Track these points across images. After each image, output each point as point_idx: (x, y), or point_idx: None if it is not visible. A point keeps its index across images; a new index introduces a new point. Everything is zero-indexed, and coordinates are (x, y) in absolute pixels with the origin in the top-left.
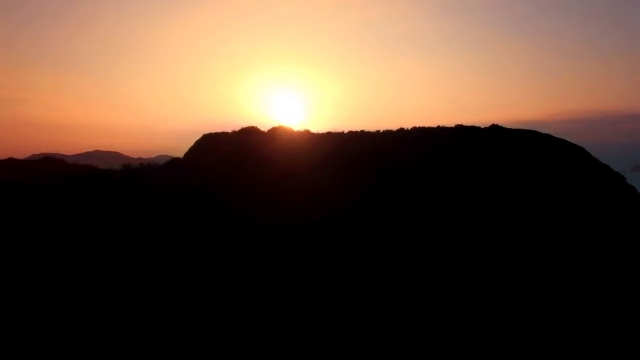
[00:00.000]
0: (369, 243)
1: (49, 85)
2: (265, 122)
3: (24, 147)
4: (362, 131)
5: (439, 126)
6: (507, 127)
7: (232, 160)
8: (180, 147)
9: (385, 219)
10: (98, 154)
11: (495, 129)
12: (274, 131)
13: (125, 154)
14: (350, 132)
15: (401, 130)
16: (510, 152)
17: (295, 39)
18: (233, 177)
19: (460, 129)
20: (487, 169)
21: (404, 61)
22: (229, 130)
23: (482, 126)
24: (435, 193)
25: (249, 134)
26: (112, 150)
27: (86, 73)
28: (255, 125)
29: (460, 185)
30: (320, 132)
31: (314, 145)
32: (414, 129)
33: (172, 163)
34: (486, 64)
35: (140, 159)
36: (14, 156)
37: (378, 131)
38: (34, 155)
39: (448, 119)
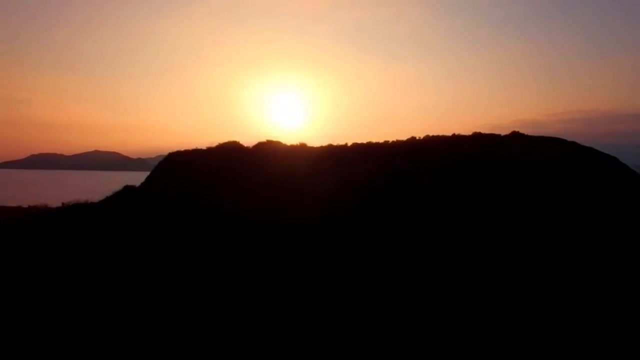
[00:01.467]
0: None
1: (49, 85)
2: (263, 123)
3: (24, 146)
4: (368, 143)
5: (454, 134)
6: (528, 134)
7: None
8: (179, 147)
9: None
10: (97, 153)
11: (516, 136)
12: (260, 147)
13: (125, 154)
14: (355, 145)
15: (412, 139)
16: (534, 163)
17: (293, 39)
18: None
19: (478, 137)
20: (510, 183)
21: (403, 61)
22: (200, 147)
23: (502, 133)
24: (447, 212)
25: (229, 150)
26: (111, 150)
27: (86, 73)
28: (253, 126)
29: (478, 203)
30: (319, 144)
31: (310, 167)
32: (427, 138)
33: (128, 190)
34: (485, 64)
35: (139, 159)
36: (14, 155)
37: (387, 142)
38: (32, 155)
39: (447, 119)
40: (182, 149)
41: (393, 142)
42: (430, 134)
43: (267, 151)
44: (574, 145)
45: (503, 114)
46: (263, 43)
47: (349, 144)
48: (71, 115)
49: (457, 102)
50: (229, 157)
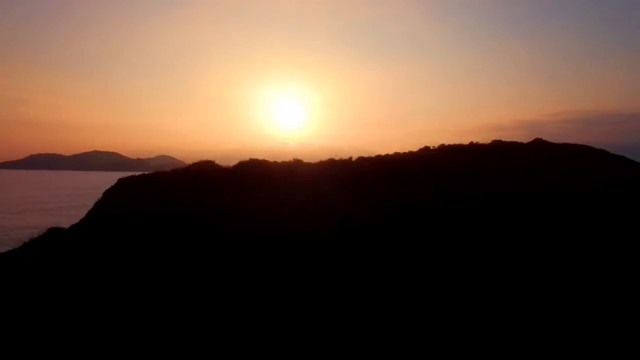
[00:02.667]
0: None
1: (48, 85)
2: (263, 123)
3: (23, 146)
4: (377, 157)
5: (472, 142)
6: (551, 141)
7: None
8: (179, 147)
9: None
10: (96, 154)
11: (539, 144)
12: (241, 169)
13: (124, 154)
14: (361, 159)
15: (425, 149)
16: (564, 175)
17: (292, 39)
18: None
19: (498, 146)
20: (538, 198)
21: (402, 61)
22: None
23: (524, 141)
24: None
25: (199, 173)
26: (110, 150)
27: (86, 73)
28: (253, 127)
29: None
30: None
31: (303, 199)
32: (442, 149)
33: (53, 233)
34: (486, 64)
35: (138, 159)
36: (13, 156)
37: (397, 153)
38: (31, 155)
39: (447, 119)
40: (132, 175)
41: (404, 154)
42: (446, 143)
43: (250, 174)
44: (603, 154)
45: (503, 114)
46: (262, 43)
47: (354, 158)
48: (70, 116)
49: (457, 103)
50: (196, 184)
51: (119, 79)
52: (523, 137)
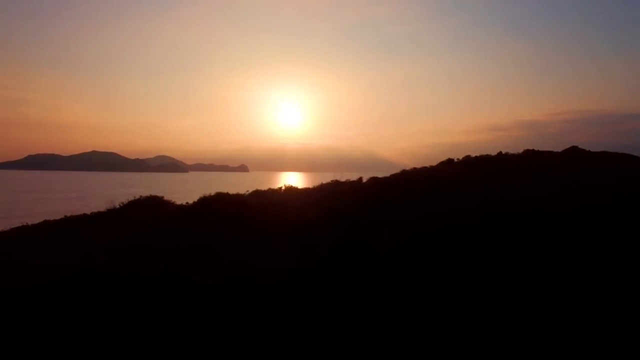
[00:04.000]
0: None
1: (47, 85)
2: (263, 123)
3: (22, 147)
4: (392, 176)
5: (500, 152)
6: (587, 149)
7: None
8: (179, 147)
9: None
10: (95, 154)
11: (575, 154)
12: (201, 211)
13: (123, 154)
14: (374, 180)
15: (449, 163)
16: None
17: (292, 39)
18: None
19: (531, 157)
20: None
21: (402, 61)
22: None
23: (558, 150)
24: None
25: (142, 210)
26: (109, 150)
27: (85, 73)
28: (253, 126)
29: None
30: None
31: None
32: (467, 161)
33: None
34: (485, 63)
35: (137, 159)
36: (12, 156)
37: (415, 169)
38: (30, 155)
39: (448, 119)
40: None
41: (424, 170)
42: (472, 154)
43: (213, 220)
44: None
45: (504, 114)
46: (262, 43)
47: (364, 179)
48: (69, 116)
49: (457, 103)
50: (126, 230)
51: (119, 79)
52: (523, 137)
